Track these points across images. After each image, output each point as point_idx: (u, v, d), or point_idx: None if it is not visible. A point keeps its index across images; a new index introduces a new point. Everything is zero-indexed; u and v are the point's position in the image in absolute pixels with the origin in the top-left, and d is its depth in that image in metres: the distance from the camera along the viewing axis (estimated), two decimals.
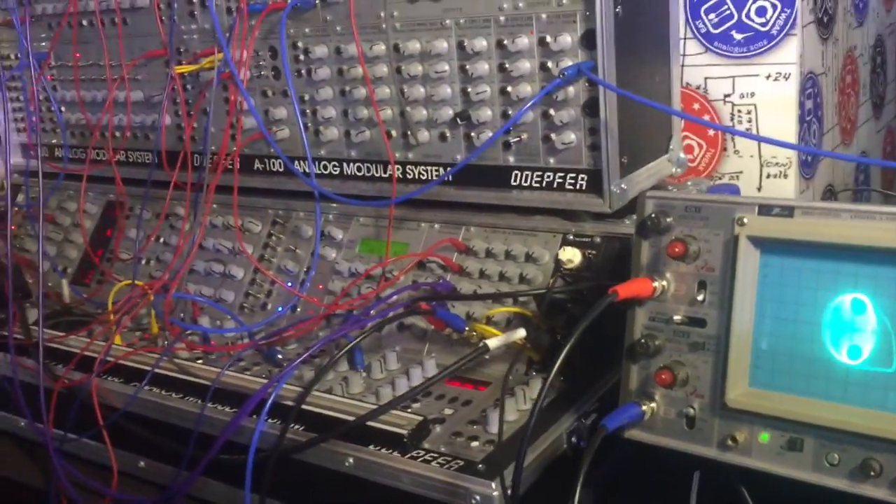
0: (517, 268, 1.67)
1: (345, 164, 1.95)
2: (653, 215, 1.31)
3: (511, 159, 1.68)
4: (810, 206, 1.22)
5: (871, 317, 1.18)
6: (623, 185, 1.59)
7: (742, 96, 1.84)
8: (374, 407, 1.49)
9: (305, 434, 1.40)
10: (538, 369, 1.53)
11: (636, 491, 1.59)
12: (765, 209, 1.25)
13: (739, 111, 1.86)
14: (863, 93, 2.22)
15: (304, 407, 1.45)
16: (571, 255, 1.56)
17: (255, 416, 1.42)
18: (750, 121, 1.84)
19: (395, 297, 1.74)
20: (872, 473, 1.17)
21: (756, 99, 1.84)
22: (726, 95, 1.85)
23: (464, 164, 1.71)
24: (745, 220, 1.25)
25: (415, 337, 1.71)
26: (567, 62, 1.61)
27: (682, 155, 1.84)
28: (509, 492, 1.28)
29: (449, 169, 1.75)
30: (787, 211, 1.23)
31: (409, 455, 1.33)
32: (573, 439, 1.41)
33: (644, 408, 1.32)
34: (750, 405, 1.24)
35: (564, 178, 1.64)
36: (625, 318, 1.25)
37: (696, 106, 1.88)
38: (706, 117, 1.90)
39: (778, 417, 1.23)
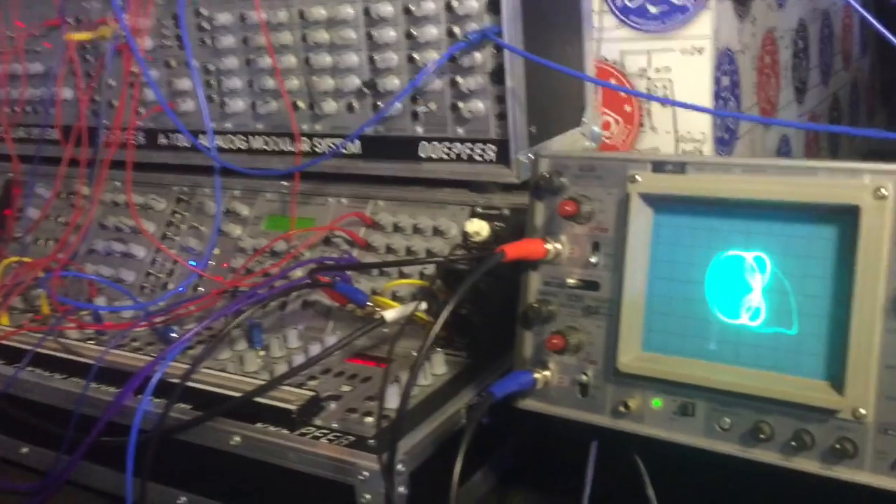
0: (424, 242, 1.62)
1: (252, 138, 1.88)
2: (546, 175, 1.26)
3: (419, 130, 1.64)
4: (702, 161, 1.18)
5: (767, 276, 1.14)
6: (531, 156, 1.54)
7: (658, 70, 1.81)
8: (264, 383, 1.42)
9: (192, 413, 1.34)
10: (442, 344, 1.47)
11: (541, 469, 1.54)
12: (658, 166, 1.21)
13: (655, 86, 1.83)
14: (784, 75, 2.21)
15: (192, 385, 1.39)
16: (479, 228, 1.51)
17: (139, 396, 1.33)
18: (665, 95, 1.81)
19: (294, 272, 1.68)
20: (763, 437, 1.13)
21: (671, 74, 1.81)
22: (642, 70, 1.82)
23: (360, 130, 1.66)
24: (638, 178, 1.21)
25: (318, 314, 1.65)
26: (474, 27, 1.57)
27: (595, 129, 1.80)
28: (400, 466, 1.23)
29: (347, 138, 1.69)
30: (679, 167, 1.19)
31: (297, 432, 1.29)
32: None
33: (536, 375, 1.27)
34: (642, 369, 1.20)
35: (473, 148, 1.59)
36: None
37: (613, 81, 1.84)
38: (622, 93, 1.87)
39: (670, 381, 1.19)
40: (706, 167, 1.17)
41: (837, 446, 1.08)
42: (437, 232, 1.61)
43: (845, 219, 1.08)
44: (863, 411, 1.07)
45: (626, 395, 1.22)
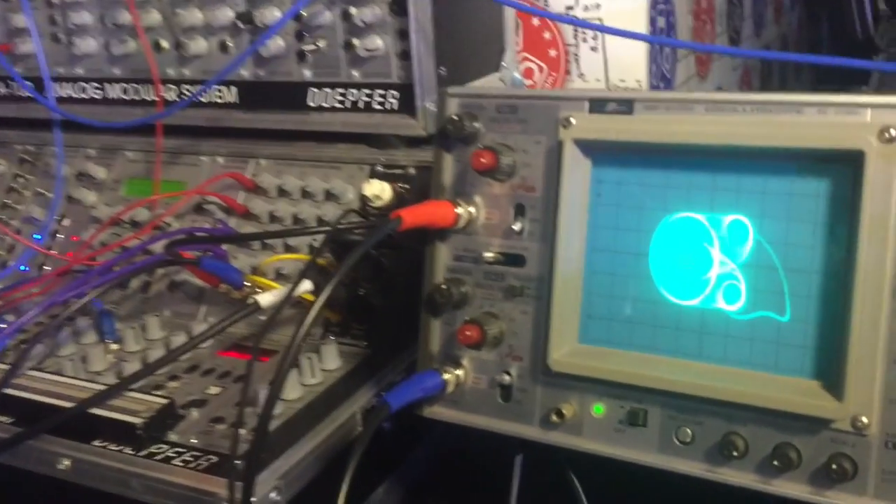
0: (315, 208, 1.36)
1: (108, 86, 1.57)
2: (456, 118, 0.98)
3: (307, 74, 1.40)
4: (655, 97, 0.92)
5: (749, 246, 0.88)
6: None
7: (586, 9, 1.55)
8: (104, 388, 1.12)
9: (10, 430, 1.10)
10: (337, 332, 1.26)
11: (456, 482, 1.27)
12: (598, 105, 0.94)
13: (584, 29, 1.56)
14: (719, 23, 1.98)
15: (11, 393, 1.14)
16: (379, 190, 1.25)
17: None
18: (595, 37, 1.54)
19: (157, 245, 1.37)
20: (735, 453, 0.87)
21: (602, 12, 1.55)
22: (569, 8, 1.55)
23: (229, 71, 1.36)
24: (573, 121, 0.93)
25: (188, 298, 1.39)
26: None
27: (516, 75, 1.53)
28: (274, 495, 0.95)
29: (208, 83, 1.38)
30: (626, 105, 0.92)
31: (144, 452, 1.05)
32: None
33: (446, 376, 1.00)
34: (579, 367, 0.94)
35: (371, 95, 1.36)
36: None
37: (536, 22, 1.57)
38: (546, 35, 1.59)
39: (615, 382, 0.93)
40: (660, 105, 0.91)
41: (833, 466, 0.83)
42: (330, 196, 1.36)
43: (844, 169, 0.83)
44: (865, 420, 0.82)
45: (559, 399, 0.96)
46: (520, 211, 0.99)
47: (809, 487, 0.86)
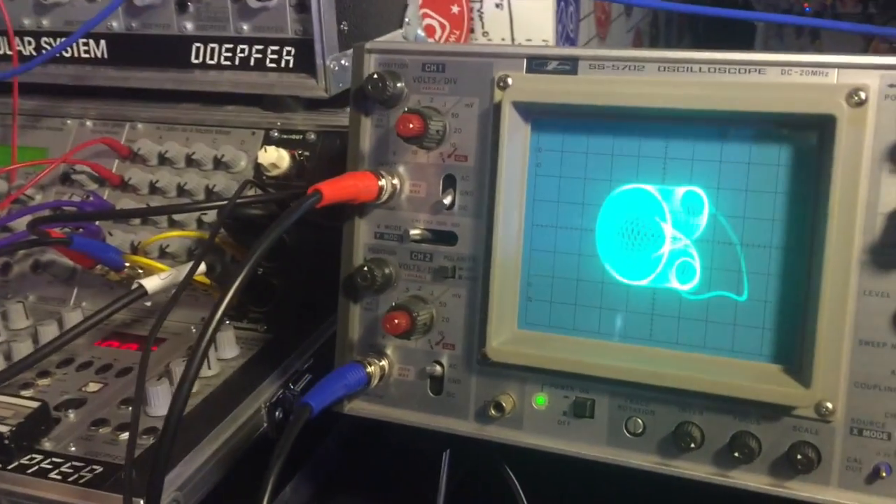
0: (202, 178, 1.24)
1: None
2: (377, 77, 0.86)
3: (189, 26, 1.30)
4: (602, 55, 0.83)
5: (704, 219, 0.81)
6: (343, 62, 1.13)
7: None
8: None
9: None
10: (233, 316, 1.17)
11: (372, 474, 1.17)
12: (537, 63, 0.84)
13: None
14: None
15: None
16: (276, 158, 1.13)
17: None
18: None
19: (18, 221, 1.20)
20: (692, 445, 0.80)
21: None
22: None
23: (97, 22, 1.19)
24: (510, 80, 0.83)
25: (56, 280, 1.20)
26: None
27: (420, 32, 1.43)
28: None
29: (72, 36, 1.21)
30: (569, 64, 0.83)
31: (13, 465, 0.92)
32: (277, 414, 1.05)
33: (370, 369, 0.89)
34: (520, 356, 0.85)
35: (264, 51, 1.25)
36: None
37: None
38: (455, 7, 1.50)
39: (559, 371, 0.84)
40: (607, 64, 0.82)
41: (798, 456, 0.77)
42: (220, 164, 1.25)
43: (809, 135, 0.76)
44: (830, 406, 0.77)
45: (496, 390, 0.87)
46: (450, 182, 0.88)
47: (769, 479, 0.81)
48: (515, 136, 0.84)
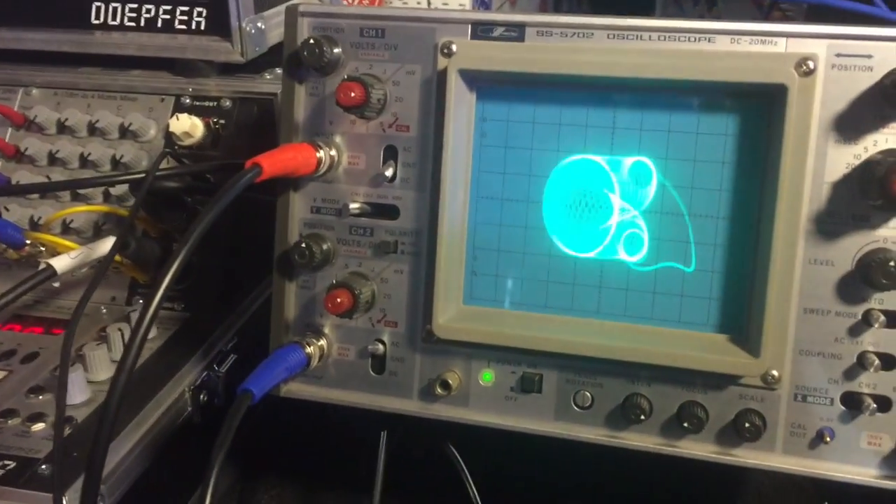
0: (108, 147, 1.18)
1: None
2: (311, 43, 0.81)
3: None
4: (550, 21, 0.80)
5: (652, 189, 0.80)
6: (260, 24, 1.07)
7: None
8: None
9: None
10: (148, 294, 0.97)
11: (306, 454, 1.14)
12: (483, 29, 0.81)
13: None
14: None
15: None
16: (189, 127, 1.08)
17: None
18: None
19: None
20: (641, 416, 0.80)
21: None
22: None
23: None
24: (454, 47, 0.80)
25: None
26: None
27: None
28: None
29: None
30: (516, 31, 0.80)
31: None
32: (202, 397, 1.01)
33: (309, 349, 0.85)
34: (467, 333, 0.82)
35: (173, 11, 1.18)
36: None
37: None
38: None
39: (506, 347, 0.82)
40: (555, 30, 0.80)
41: (746, 424, 0.78)
42: (127, 133, 1.16)
43: (757, 104, 0.76)
44: (776, 374, 0.77)
45: (442, 368, 0.85)
46: (391, 154, 0.85)
47: (716, 447, 0.81)
48: (461, 106, 0.81)
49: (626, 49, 0.78)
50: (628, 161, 0.81)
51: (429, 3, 1.54)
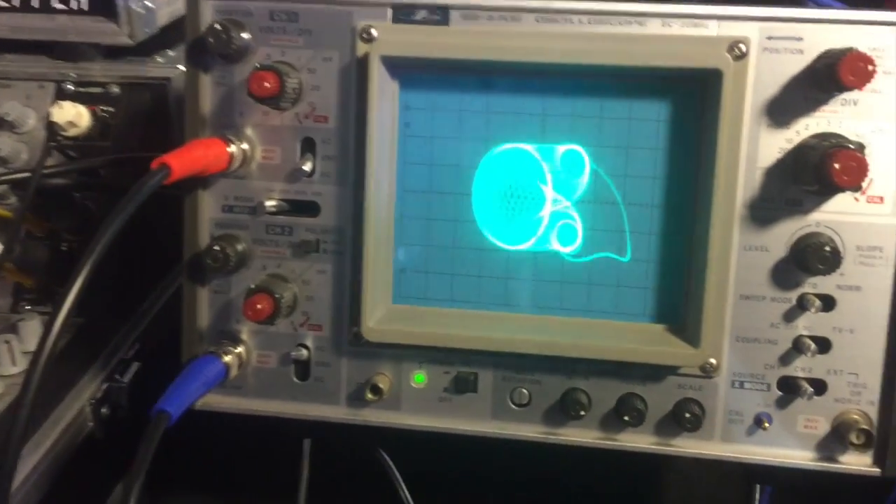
0: None
1: None
2: (217, 29, 0.74)
3: None
4: (476, 3, 0.76)
5: (585, 179, 0.77)
6: (149, 3, 1.01)
7: None
8: None
9: None
10: (35, 300, 1.04)
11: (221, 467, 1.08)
12: (404, 12, 0.76)
13: None
14: None
15: None
16: (74, 116, 1.05)
17: None
18: None
19: None
20: (581, 412, 0.78)
21: None
22: None
23: None
24: (374, 32, 0.74)
25: None
26: None
27: None
28: None
29: None
30: (440, 14, 0.76)
31: None
32: (104, 411, 0.94)
33: (227, 359, 0.79)
34: (398, 334, 0.78)
35: None
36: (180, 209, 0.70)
37: None
38: None
39: (438, 347, 0.78)
40: (481, 14, 0.76)
41: (686, 414, 0.77)
42: (3, 124, 1.11)
43: (690, 88, 0.75)
44: (714, 362, 0.76)
45: (371, 371, 0.81)
46: (309, 146, 0.79)
47: (656, 438, 0.80)
48: (384, 94, 0.76)
49: (556, 33, 0.75)
50: (560, 149, 0.78)
51: None
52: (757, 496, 0.93)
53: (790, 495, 0.94)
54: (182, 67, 1.05)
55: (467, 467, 0.99)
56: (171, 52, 1.10)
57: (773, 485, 0.92)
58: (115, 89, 1.06)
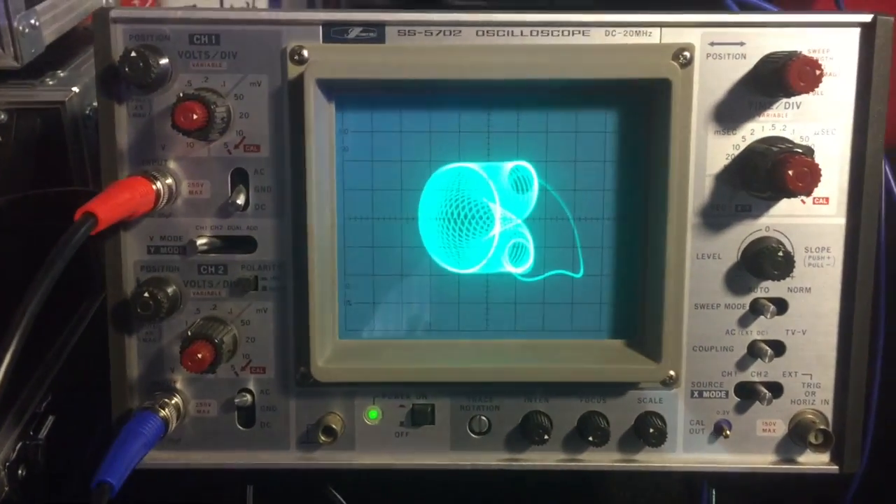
0: None
1: None
2: (133, 56, 0.67)
3: None
4: (412, 19, 0.72)
5: (534, 195, 0.74)
6: (34, 21, 0.91)
7: None
8: None
9: None
10: None
11: None
12: (336, 30, 0.71)
13: None
14: None
15: None
16: None
17: None
18: None
19: None
20: (545, 436, 0.76)
21: None
22: None
23: None
24: (306, 53, 0.69)
25: None
26: None
27: None
28: None
29: None
30: (375, 30, 0.71)
31: None
32: (21, 472, 0.86)
33: (164, 412, 0.73)
34: (350, 373, 0.74)
35: None
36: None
37: None
38: None
39: (391, 383, 0.74)
40: (418, 29, 0.72)
41: (651, 430, 0.76)
42: None
43: (635, 98, 0.73)
44: (673, 373, 0.75)
45: (321, 411, 0.77)
46: (240, 178, 0.73)
47: (619, 455, 0.79)
48: (320, 118, 0.71)
49: (498, 46, 0.72)
50: (507, 166, 0.75)
51: (221, 3, 1.39)
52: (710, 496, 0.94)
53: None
54: (76, 89, 0.97)
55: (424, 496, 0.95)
56: (61, 73, 1.01)
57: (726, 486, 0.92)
58: (2, 116, 0.96)
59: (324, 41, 0.71)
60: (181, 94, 0.68)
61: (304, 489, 0.85)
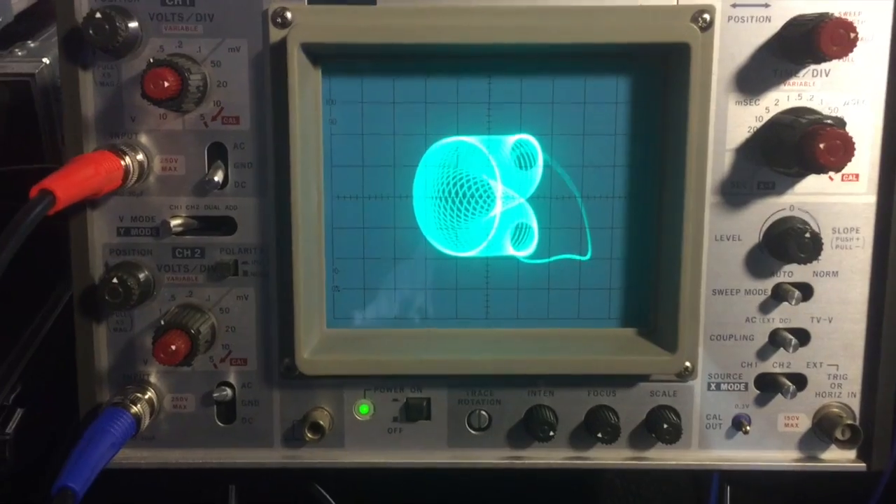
0: None
1: None
2: (98, 18, 0.61)
3: None
4: None
5: (538, 171, 0.68)
6: None
7: None
8: None
9: None
10: None
11: None
12: None
13: None
14: None
15: None
16: None
17: None
18: None
19: None
20: (550, 432, 0.70)
21: None
22: None
23: None
24: (290, 15, 0.63)
25: None
26: None
27: None
28: None
29: None
30: None
31: None
32: None
33: (136, 408, 0.67)
34: (337, 365, 0.68)
35: None
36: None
37: None
38: None
39: (383, 375, 0.68)
40: None
41: (665, 425, 0.70)
42: None
43: (650, 65, 0.67)
44: (689, 365, 0.69)
45: (307, 406, 0.71)
46: (218, 153, 0.67)
47: (630, 452, 0.73)
48: (305, 87, 0.65)
49: (500, 8, 0.65)
50: (509, 140, 0.69)
51: None
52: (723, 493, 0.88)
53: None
54: (46, 61, 0.90)
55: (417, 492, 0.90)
56: (31, 44, 0.94)
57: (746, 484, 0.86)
58: None
59: (309, 2, 0.65)
60: (151, 60, 0.62)
61: (289, 486, 0.79)
